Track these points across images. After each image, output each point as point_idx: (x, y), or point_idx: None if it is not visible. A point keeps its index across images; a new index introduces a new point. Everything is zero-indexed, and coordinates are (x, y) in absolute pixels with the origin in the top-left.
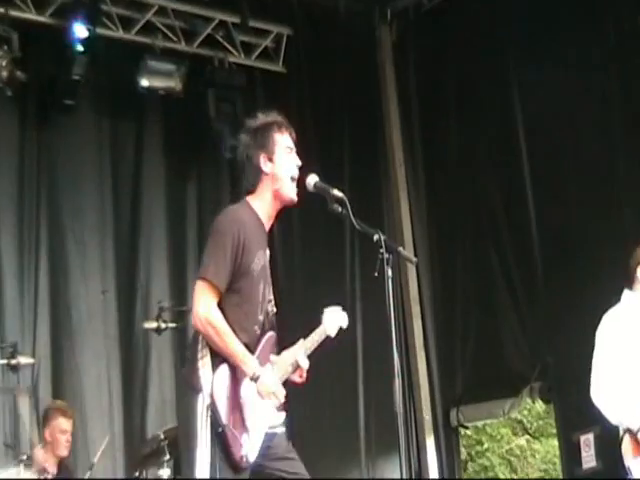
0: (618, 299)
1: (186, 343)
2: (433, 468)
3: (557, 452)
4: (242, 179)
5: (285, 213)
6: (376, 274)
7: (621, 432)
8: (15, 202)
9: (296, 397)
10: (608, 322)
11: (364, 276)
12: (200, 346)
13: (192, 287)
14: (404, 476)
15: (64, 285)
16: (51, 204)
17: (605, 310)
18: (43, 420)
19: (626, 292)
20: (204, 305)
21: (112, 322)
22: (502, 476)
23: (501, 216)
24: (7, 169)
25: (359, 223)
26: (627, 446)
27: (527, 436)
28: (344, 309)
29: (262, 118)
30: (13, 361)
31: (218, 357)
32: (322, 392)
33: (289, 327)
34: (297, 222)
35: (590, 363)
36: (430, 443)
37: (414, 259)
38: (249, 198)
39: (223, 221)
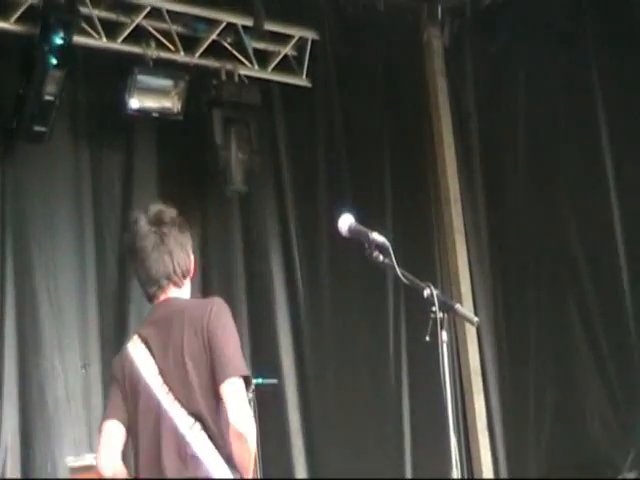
0: None
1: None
2: None
3: None
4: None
5: (312, 266)
6: (427, 338)
7: None
8: None
9: None
10: None
11: (411, 341)
12: None
13: None
14: None
15: (35, 359)
16: (19, 257)
17: None
18: None
19: None
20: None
21: (96, 405)
22: None
23: (584, 266)
24: None
25: (405, 275)
26: None
27: None
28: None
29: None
30: None
31: None
32: None
33: (323, 409)
34: (326, 276)
35: None
36: None
37: (475, 319)
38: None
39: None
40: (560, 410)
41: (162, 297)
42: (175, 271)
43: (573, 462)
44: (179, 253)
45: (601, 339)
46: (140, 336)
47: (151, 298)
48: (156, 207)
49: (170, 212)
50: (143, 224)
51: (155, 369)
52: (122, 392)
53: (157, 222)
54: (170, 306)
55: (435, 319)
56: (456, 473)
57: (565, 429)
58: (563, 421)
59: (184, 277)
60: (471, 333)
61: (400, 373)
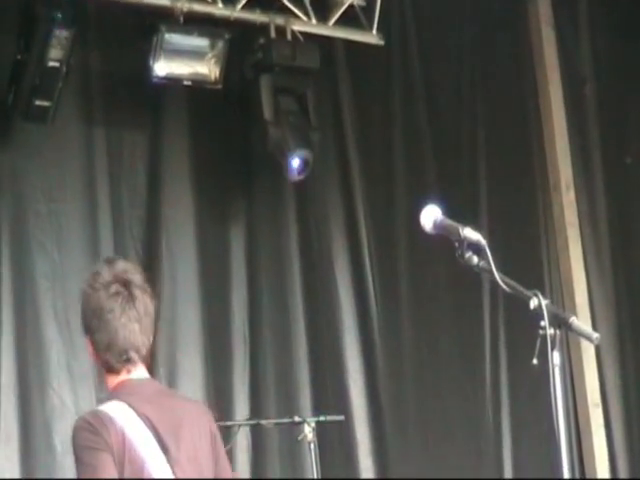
0: None
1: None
2: None
3: None
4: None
5: (387, 270)
6: (535, 362)
7: None
8: None
9: None
10: None
11: (513, 365)
12: None
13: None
14: None
15: (40, 399)
16: (17, 268)
17: None
18: None
19: None
20: None
21: None
22: None
23: None
24: None
25: (506, 281)
26: None
27: None
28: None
29: None
30: None
31: None
32: None
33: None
34: (405, 284)
35: None
36: None
37: (594, 335)
38: None
39: None
40: None
41: (133, 370)
42: (144, 344)
43: None
44: (149, 326)
45: None
46: (137, 412)
47: (113, 368)
48: (122, 263)
49: (139, 272)
50: (109, 279)
51: (163, 458)
52: (118, 470)
53: (126, 282)
54: (160, 388)
55: (545, 336)
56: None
57: None
58: None
59: (144, 359)
60: (588, 354)
61: (498, 408)
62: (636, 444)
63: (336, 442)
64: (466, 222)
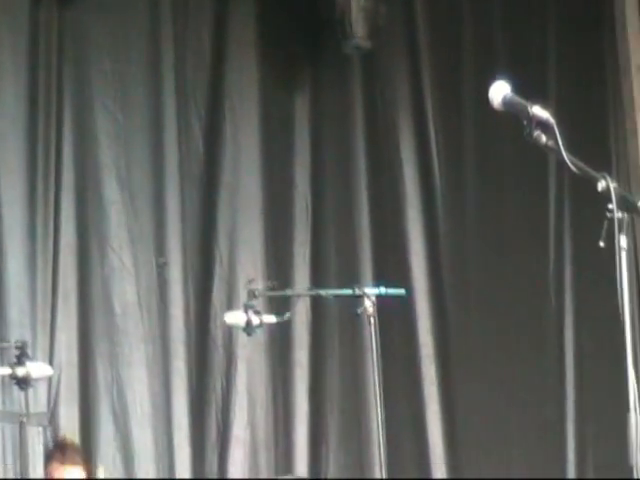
0: None
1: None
2: None
3: None
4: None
5: (453, 148)
6: (601, 244)
7: None
8: (23, 127)
9: (471, 440)
10: None
11: (579, 247)
12: None
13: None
14: None
15: (98, 256)
16: (79, 125)
17: None
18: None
19: None
20: None
21: (174, 316)
22: None
23: None
24: (12, 72)
25: (574, 161)
26: None
27: None
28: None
29: None
30: (20, 371)
31: None
32: (511, 433)
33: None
34: (471, 162)
35: None
36: None
37: None
38: None
39: None
40: None
41: None
42: None
43: None
44: None
45: None
46: None
47: None
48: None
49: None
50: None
51: None
52: None
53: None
54: None
55: (612, 219)
56: (635, 417)
57: None
58: None
59: None
60: None
61: (562, 291)
62: None
63: (396, 317)
64: (535, 101)
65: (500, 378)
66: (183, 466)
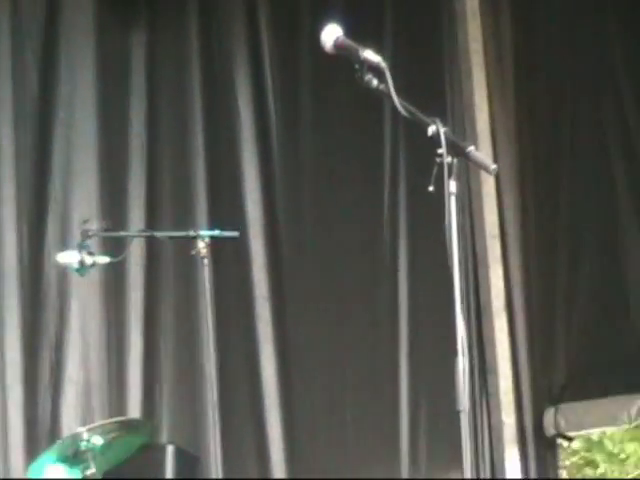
0: None
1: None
2: None
3: None
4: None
5: (289, 87)
6: (431, 188)
7: None
8: None
9: (305, 380)
10: None
11: (413, 193)
12: None
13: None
14: None
15: None
16: None
17: None
18: None
19: None
20: None
21: (7, 253)
22: None
23: (632, 105)
24: None
25: (405, 106)
26: None
27: None
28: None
29: None
30: None
31: None
32: (345, 373)
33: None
34: (307, 104)
35: None
36: (512, 461)
37: (492, 166)
38: None
39: None
40: (597, 291)
41: None
42: None
43: (610, 357)
44: None
45: None
46: None
47: None
48: None
49: None
50: None
51: None
52: None
53: None
54: None
55: (441, 164)
56: (462, 362)
57: (603, 316)
58: (600, 304)
59: None
60: (488, 185)
61: (396, 237)
62: (533, 276)
63: (231, 257)
64: (370, 45)
65: (334, 320)
66: (15, 406)
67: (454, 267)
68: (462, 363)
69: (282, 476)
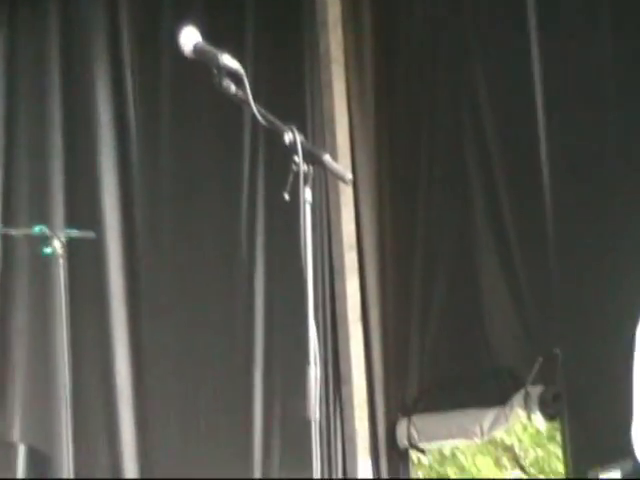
0: None
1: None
2: None
3: None
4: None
5: (149, 91)
6: (286, 197)
7: None
8: None
9: (159, 382)
10: None
11: (271, 197)
12: None
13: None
14: None
15: None
16: None
17: None
18: None
19: None
20: None
21: None
22: None
23: (489, 114)
24: None
25: (263, 113)
26: None
27: (519, 471)
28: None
29: None
30: None
31: None
32: (199, 378)
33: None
34: (167, 107)
35: (621, 361)
36: (364, 473)
37: (348, 176)
38: None
39: None
40: (452, 305)
41: None
42: None
43: (464, 370)
44: None
45: (507, 219)
46: None
47: None
48: None
49: None
50: None
51: None
52: None
53: None
54: None
55: (297, 172)
56: (315, 370)
57: (457, 329)
58: (455, 319)
59: None
60: (346, 196)
61: (252, 246)
62: (388, 288)
63: (87, 256)
64: (230, 51)
65: (189, 324)
66: None
67: (308, 276)
68: (314, 372)
69: (133, 475)
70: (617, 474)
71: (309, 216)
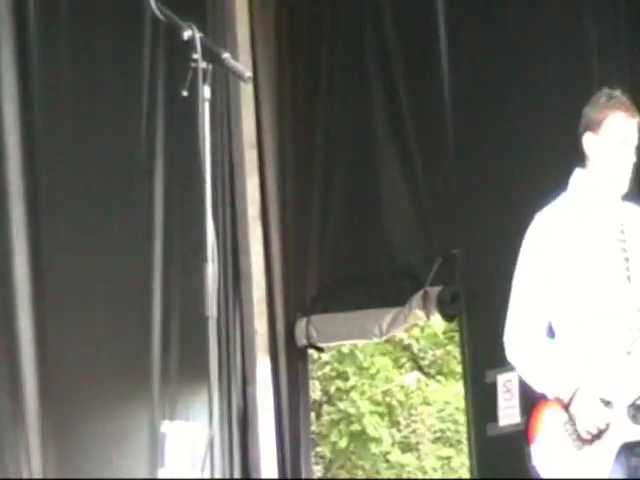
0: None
1: None
2: (265, 410)
3: (462, 401)
4: None
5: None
6: (185, 93)
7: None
8: None
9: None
10: (540, 230)
11: (171, 98)
12: None
13: None
14: (217, 420)
15: None
16: None
17: (545, 193)
18: None
19: (577, 172)
20: None
21: None
22: (373, 431)
23: (393, 33)
24: None
25: (161, 9)
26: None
27: (418, 372)
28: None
29: None
30: None
31: None
32: (97, 282)
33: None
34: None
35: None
36: (263, 371)
37: (247, 74)
38: None
39: None
40: (352, 205)
41: None
42: None
43: (363, 270)
44: None
45: (405, 111)
46: None
47: None
48: None
49: None
50: None
51: None
52: None
53: None
54: None
55: (196, 69)
56: (212, 268)
57: (357, 229)
58: (355, 219)
59: None
60: (247, 94)
61: (154, 137)
62: (288, 186)
63: None
64: None
65: (88, 218)
66: None
67: (206, 173)
68: (211, 270)
69: (35, 409)
70: (514, 375)
71: (207, 114)
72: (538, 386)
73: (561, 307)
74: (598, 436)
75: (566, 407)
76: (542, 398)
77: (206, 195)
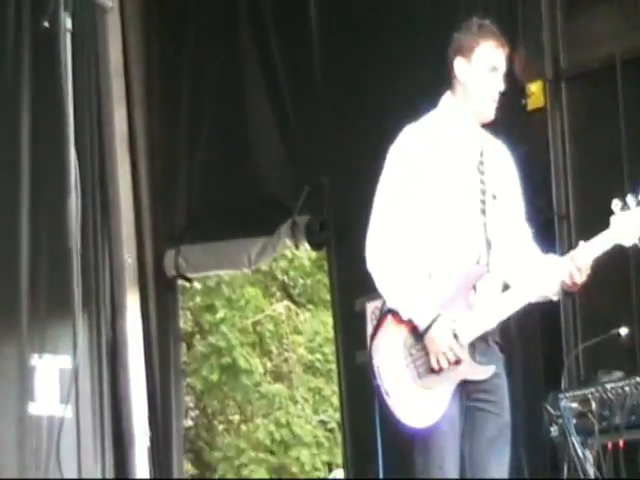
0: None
1: None
2: (134, 341)
3: (331, 330)
4: None
5: None
6: (46, 24)
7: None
8: None
9: None
10: (406, 143)
11: (36, 32)
12: None
13: None
14: (86, 352)
15: None
16: None
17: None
18: None
19: (446, 96)
20: None
21: None
22: (245, 363)
23: None
24: None
25: None
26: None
27: (287, 302)
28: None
29: None
30: None
31: None
32: None
33: None
34: None
35: None
36: (132, 302)
37: (109, 4)
38: None
39: None
40: (220, 134)
41: None
42: None
43: (231, 200)
44: None
45: (273, 49)
46: None
47: None
48: None
49: None
50: None
51: None
52: None
53: None
54: None
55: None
56: (75, 200)
57: (225, 159)
58: (223, 148)
59: None
60: (114, 23)
61: (21, 70)
62: (156, 117)
63: None
64: None
65: None
66: None
67: (68, 104)
68: (74, 202)
69: None
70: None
71: (69, 44)
72: (393, 302)
73: (419, 227)
74: (443, 369)
75: (419, 333)
76: (390, 312)
77: (68, 126)
